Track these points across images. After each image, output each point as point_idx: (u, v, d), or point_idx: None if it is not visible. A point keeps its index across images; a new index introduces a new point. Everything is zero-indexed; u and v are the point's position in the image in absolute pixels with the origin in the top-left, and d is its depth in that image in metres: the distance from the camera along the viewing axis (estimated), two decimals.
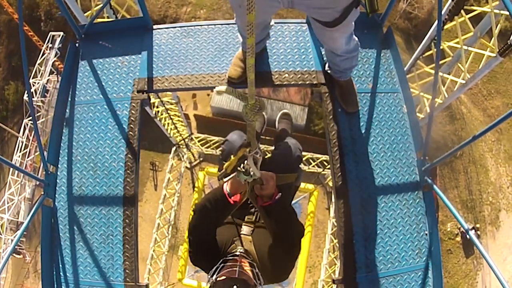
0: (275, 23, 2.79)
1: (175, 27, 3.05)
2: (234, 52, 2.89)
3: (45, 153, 2.66)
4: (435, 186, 2.50)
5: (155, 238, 8.43)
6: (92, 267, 2.51)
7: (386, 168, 2.64)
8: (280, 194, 1.63)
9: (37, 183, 12.02)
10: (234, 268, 1.57)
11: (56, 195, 2.69)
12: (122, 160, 2.69)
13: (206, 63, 2.87)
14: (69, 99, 2.90)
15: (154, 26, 3.04)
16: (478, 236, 12.49)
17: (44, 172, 2.65)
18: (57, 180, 2.72)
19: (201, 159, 11.34)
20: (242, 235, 1.87)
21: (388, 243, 2.47)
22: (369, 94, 2.80)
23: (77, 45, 3.02)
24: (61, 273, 2.53)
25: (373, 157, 2.65)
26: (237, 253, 1.73)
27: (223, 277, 1.57)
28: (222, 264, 1.64)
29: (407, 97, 2.80)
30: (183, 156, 9.03)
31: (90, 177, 2.68)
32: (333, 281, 2.48)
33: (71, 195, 2.67)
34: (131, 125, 2.76)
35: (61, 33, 12.69)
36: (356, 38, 2.31)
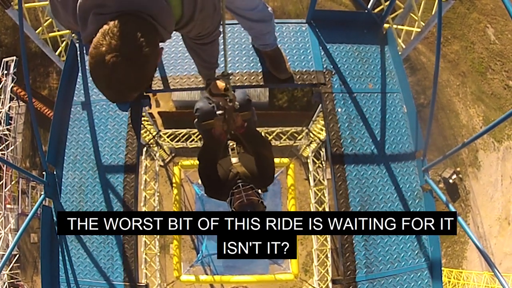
0: (275, 23, 2.79)
1: None
2: (234, 52, 2.90)
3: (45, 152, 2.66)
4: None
5: (145, 241, 8.45)
6: (92, 267, 2.51)
7: (386, 168, 2.64)
8: (247, 124, 2.37)
9: (20, 211, 11.95)
10: (242, 198, 2.19)
11: (56, 195, 2.69)
12: (122, 160, 2.70)
13: None
14: (69, 99, 2.90)
15: None
16: (461, 179, 12.47)
17: (44, 173, 2.66)
18: (57, 180, 2.72)
19: (173, 154, 11.28)
20: (233, 164, 2.50)
21: (388, 243, 2.47)
22: (369, 94, 2.81)
23: (77, 45, 3.01)
24: (61, 273, 2.53)
25: (373, 157, 2.66)
26: (239, 185, 2.29)
27: (238, 203, 2.18)
28: (231, 197, 2.25)
29: (407, 97, 2.81)
30: (155, 155, 9.00)
31: (90, 177, 2.68)
32: (333, 281, 2.48)
33: (71, 195, 2.68)
34: (131, 125, 2.76)
35: (14, 58, 12.39)
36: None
